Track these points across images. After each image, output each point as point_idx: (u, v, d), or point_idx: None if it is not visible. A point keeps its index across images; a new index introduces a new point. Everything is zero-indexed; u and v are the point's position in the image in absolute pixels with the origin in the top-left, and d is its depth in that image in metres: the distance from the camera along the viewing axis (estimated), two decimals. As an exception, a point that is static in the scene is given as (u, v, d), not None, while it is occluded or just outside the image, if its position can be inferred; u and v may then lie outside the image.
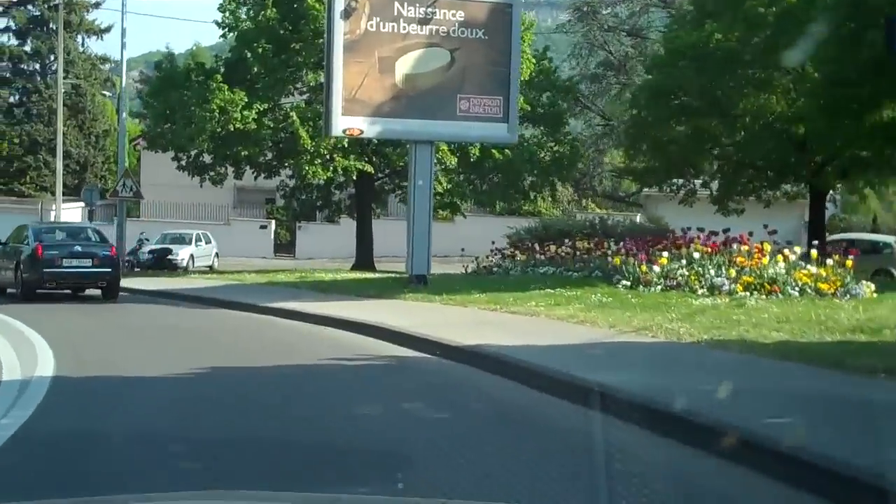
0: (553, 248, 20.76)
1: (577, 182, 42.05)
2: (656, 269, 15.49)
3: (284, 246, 43.43)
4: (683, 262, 15.65)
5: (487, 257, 22.79)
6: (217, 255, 35.36)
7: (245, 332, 13.90)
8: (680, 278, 15.26)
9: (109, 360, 10.70)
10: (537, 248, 21.27)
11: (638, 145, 24.58)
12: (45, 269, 19.07)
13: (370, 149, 27.73)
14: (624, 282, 15.78)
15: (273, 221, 43.64)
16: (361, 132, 18.63)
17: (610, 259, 17.90)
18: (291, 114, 26.07)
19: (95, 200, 30.66)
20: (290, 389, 8.67)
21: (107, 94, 49.77)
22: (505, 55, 18.72)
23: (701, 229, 17.70)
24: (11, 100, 49.09)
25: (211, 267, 33.82)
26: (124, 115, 29.92)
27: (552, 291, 15.47)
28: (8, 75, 49.04)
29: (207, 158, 28.17)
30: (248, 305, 16.90)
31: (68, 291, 19.84)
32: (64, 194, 41.30)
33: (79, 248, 19.75)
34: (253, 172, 28.98)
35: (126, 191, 27.65)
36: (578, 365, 8.62)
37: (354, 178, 27.20)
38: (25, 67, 49.34)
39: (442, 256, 40.79)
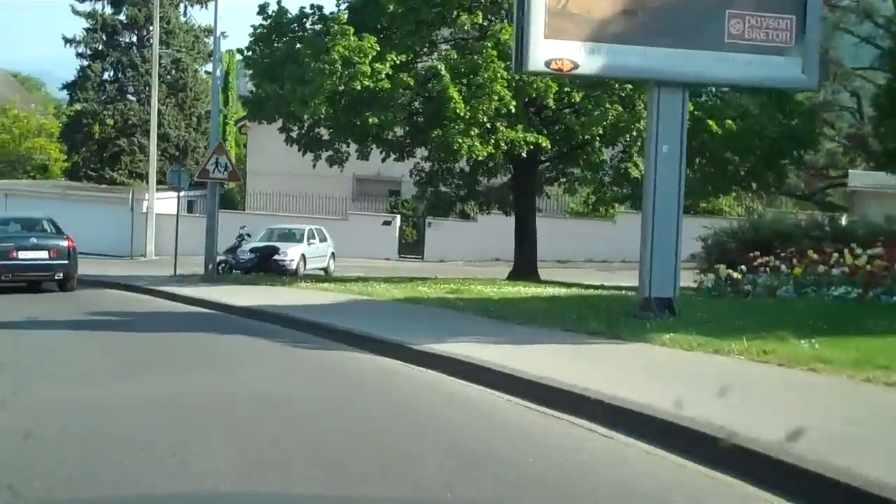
0: (848, 257, 13.50)
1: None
2: None
3: (410, 245, 36.93)
4: None
5: (727, 268, 15.59)
6: (333, 255, 28.85)
7: (416, 431, 6.72)
8: None
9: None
10: (814, 255, 14.06)
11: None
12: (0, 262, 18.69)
13: (539, 118, 20.67)
14: None
15: (398, 217, 37.04)
16: (574, 66, 11.49)
17: None
18: (439, 66, 19.01)
19: (185, 184, 24.36)
20: None
21: (211, 70, 43.82)
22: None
23: None
24: (105, 76, 42.97)
25: (326, 270, 27.42)
26: (218, 71, 23.39)
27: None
28: (101, 48, 42.67)
29: (325, 133, 21.64)
30: (395, 346, 10.20)
31: (23, 284, 19.04)
32: (159, 182, 35.68)
33: (34, 240, 19.35)
34: (381, 152, 22.29)
35: (219, 170, 21.00)
36: None
37: (524, 155, 19.86)
38: (120, 39, 43.14)
39: (600, 262, 34.22)
